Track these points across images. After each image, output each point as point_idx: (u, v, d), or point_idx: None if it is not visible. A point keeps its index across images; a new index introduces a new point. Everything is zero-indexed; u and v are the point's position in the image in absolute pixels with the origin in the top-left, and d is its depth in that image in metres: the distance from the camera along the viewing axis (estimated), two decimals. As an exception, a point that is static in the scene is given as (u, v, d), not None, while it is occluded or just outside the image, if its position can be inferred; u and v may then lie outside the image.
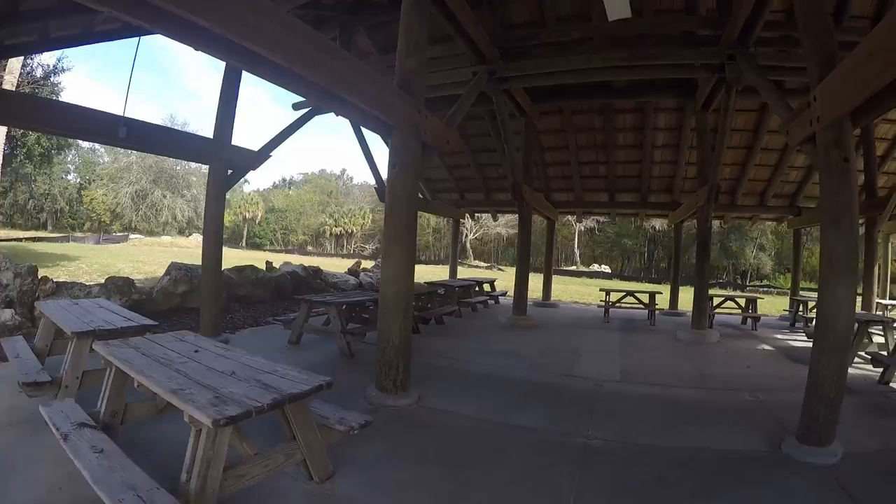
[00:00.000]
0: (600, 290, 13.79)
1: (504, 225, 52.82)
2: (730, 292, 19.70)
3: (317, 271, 14.85)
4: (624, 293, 13.15)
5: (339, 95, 4.51)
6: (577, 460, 4.02)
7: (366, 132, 11.39)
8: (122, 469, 2.68)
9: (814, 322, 10.87)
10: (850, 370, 5.52)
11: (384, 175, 6.21)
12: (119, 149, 44.82)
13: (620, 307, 13.02)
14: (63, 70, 20.54)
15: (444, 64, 9.41)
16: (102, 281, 9.22)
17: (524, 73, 9.34)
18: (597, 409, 5.34)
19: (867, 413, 5.38)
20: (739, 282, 44.54)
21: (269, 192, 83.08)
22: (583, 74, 9.27)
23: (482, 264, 50.10)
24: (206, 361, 3.34)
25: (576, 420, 4.94)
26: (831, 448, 4.15)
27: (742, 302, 12.57)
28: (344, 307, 7.71)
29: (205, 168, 8.09)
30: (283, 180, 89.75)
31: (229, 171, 7.59)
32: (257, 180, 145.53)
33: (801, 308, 12.73)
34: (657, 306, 12.48)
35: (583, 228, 55.49)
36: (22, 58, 14.46)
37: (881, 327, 7.83)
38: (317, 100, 5.26)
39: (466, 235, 56.04)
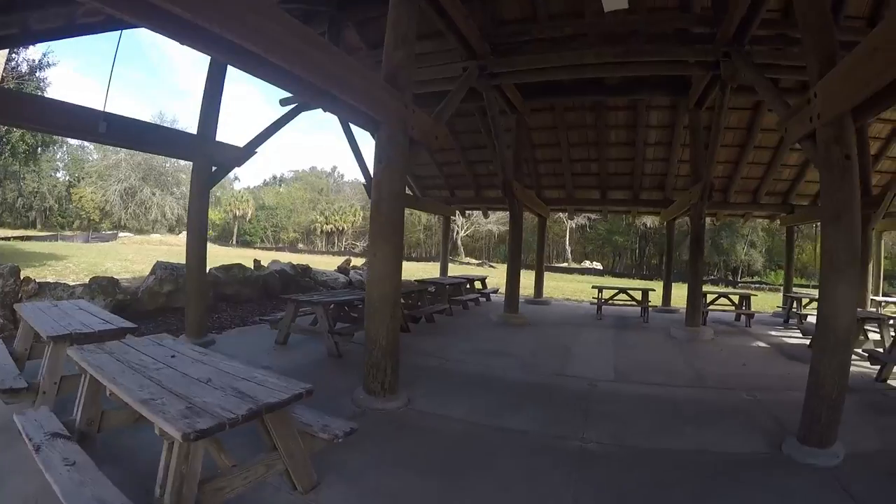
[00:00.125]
0: (593, 286, 13.67)
1: (495, 222, 52.87)
2: (722, 289, 19.72)
3: (306, 269, 14.66)
4: (617, 290, 13.05)
5: (327, 90, 4.36)
6: (572, 464, 3.89)
7: (355, 128, 11.25)
8: (94, 483, 2.54)
9: (807, 319, 11.08)
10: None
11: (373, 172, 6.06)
12: (108, 146, 44.27)
13: (613, 304, 12.90)
14: (48, 65, 20.22)
15: (433, 59, 9.26)
16: (88, 281, 9.02)
17: (515, 69, 9.22)
18: (591, 410, 5.21)
19: (865, 411, 5.29)
20: (731, 278, 44.76)
21: (259, 189, 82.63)
22: (575, 71, 9.17)
23: (474, 261, 49.96)
24: (182, 367, 3.18)
25: (570, 422, 4.82)
26: (833, 449, 4.06)
27: (735, 299, 12.51)
28: (332, 307, 7.57)
29: (195, 165, 7.90)
30: (274, 177, 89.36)
31: (213, 168, 7.39)
32: (248, 178, 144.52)
33: (794, 305, 12.71)
34: (650, 303, 12.38)
35: (574, 225, 55.64)
36: (6, 53, 14.18)
37: (877, 324, 7.77)
38: (303, 95, 5.12)
39: (457, 232, 55.99)
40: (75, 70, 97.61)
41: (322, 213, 71.13)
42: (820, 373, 4.14)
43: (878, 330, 7.78)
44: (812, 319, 10.86)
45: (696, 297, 9.96)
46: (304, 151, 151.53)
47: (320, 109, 9.02)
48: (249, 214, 70.27)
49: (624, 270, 50.02)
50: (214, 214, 66.38)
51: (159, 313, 9.25)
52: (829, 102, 4.13)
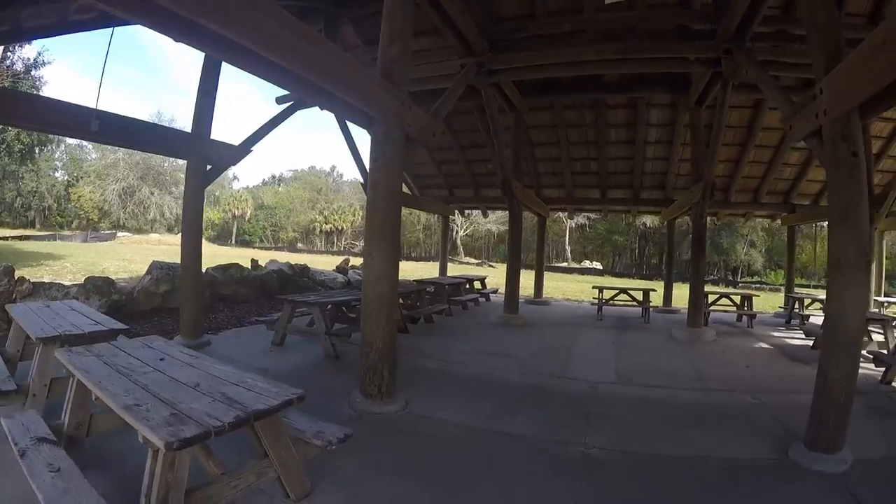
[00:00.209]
0: (593, 287, 13.58)
1: (495, 221, 52.76)
2: (722, 289, 19.61)
3: (304, 269, 14.57)
4: (617, 290, 12.94)
5: (321, 86, 4.25)
6: (574, 471, 3.79)
7: (353, 127, 11.16)
8: (78, 490, 2.45)
9: (809, 320, 10.98)
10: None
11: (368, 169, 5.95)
12: (106, 145, 44.15)
13: (614, 304, 12.80)
14: (44, 63, 20.07)
15: (431, 56, 9.19)
16: (83, 281, 8.91)
17: (513, 66, 9.15)
18: (593, 414, 5.11)
19: (871, 415, 5.19)
20: (731, 278, 44.64)
21: (258, 188, 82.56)
22: (574, 68, 9.07)
23: (473, 261, 49.84)
24: (171, 371, 3.07)
25: (571, 426, 4.71)
26: (841, 455, 3.96)
27: (737, 299, 12.41)
28: (329, 307, 7.47)
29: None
30: (273, 177, 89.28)
31: (208, 167, 7.29)
32: (247, 177, 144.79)
33: (796, 305, 12.61)
34: (651, 304, 12.27)
35: (574, 225, 55.53)
36: (0, 51, 14.10)
37: (880, 325, 7.67)
38: (298, 92, 5.00)
39: (457, 232, 55.85)
40: (75, 69, 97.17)
41: (321, 212, 71.03)
42: (828, 376, 4.03)
43: (881, 331, 7.68)
44: (814, 320, 10.88)
45: (697, 297, 9.85)
46: (301, 150, 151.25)
47: (317, 108, 9.00)
48: (248, 214, 70.12)
49: (624, 270, 49.91)
50: (214, 214, 66.42)
51: (155, 313, 9.16)
52: (836, 98, 4.03)
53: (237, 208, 68.08)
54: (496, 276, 21.96)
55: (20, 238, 34.74)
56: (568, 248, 57.31)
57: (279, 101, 9.89)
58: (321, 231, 69.68)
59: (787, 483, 3.69)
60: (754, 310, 12.06)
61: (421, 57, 8.78)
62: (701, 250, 10.06)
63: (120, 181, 54.41)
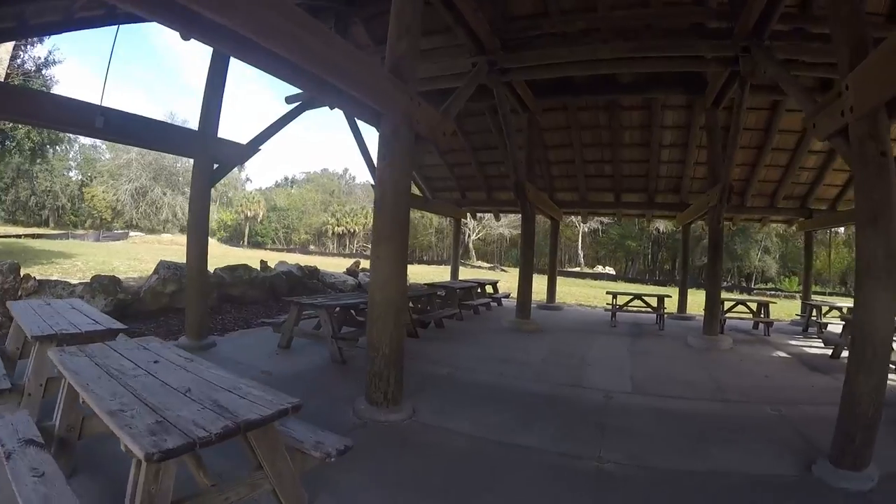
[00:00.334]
0: (607, 292, 13.37)
1: (507, 225, 52.55)
2: (737, 295, 19.34)
3: (314, 271, 14.46)
4: (631, 296, 12.67)
5: (327, 80, 4.10)
6: (588, 487, 3.59)
7: (363, 127, 11.06)
8: (60, 497, 2.31)
9: (827, 328, 10.69)
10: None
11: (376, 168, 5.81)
12: (119, 145, 44.43)
13: (627, 311, 12.54)
14: (55, 62, 20.12)
15: (442, 55, 9.07)
16: (89, 279, 8.84)
17: (526, 65, 8.99)
18: (608, 426, 4.88)
19: (894, 428, 4.92)
20: (744, 284, 44.16)
21: (271, 190, 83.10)
22: (588, 66, 8.91)
23: (485, 265, 49.71)
24: (163, 375, 2.92)
25: (585, 439, 4.50)
26: (867, 472, 3.74)
27: (753, 306, 12.14)
28: (336, 310, 7.31)
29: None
30: (286, 179, 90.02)
31: (215, 166, 7.18)
32: (259, 179, 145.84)
33: (814, 313, 12.33)
34: (665, 310, 12.04)
35: (586, 229, 55.23)
36: (10, 49, 14.12)
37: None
38: (305, 87, 4.84)
39: (469, 236, 55.70)
40: (86, 68, 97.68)
41: (333, 214, 71.30)
42: (855, 388, 3.81)
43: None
44: (832, 329, 10.59)
45: (714, 304, 9.61)
46: (313, 147, 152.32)
47: (327, 108, 8.90)
48: (261, 216, 70.45)
49: (637, 276, 49.56)
50: (226, 215, 66.84)
51: (162, 313, 9.09)
52: (862, 95, 3.83)
53: (249, 210, 68.40)
54: (508, 280, 21.75)
55: (33, 236, 34.96)
56: (581, 253, 57.01)
57: (289, 100, 9.80)
58: (333, 233, 69.90)
59: (810, 501, 3.49)
60: (771, 317, 11.77)
61: (432, 56, 8.67)
62: (718, 256, 9.84)
63: (133, 181, 54.70)
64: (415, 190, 16.40)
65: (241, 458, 2.89)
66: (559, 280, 17.72)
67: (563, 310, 15.11)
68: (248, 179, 79.15)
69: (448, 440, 4.32)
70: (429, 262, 50.12)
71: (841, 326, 9.53)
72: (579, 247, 56.98)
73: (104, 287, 8.52)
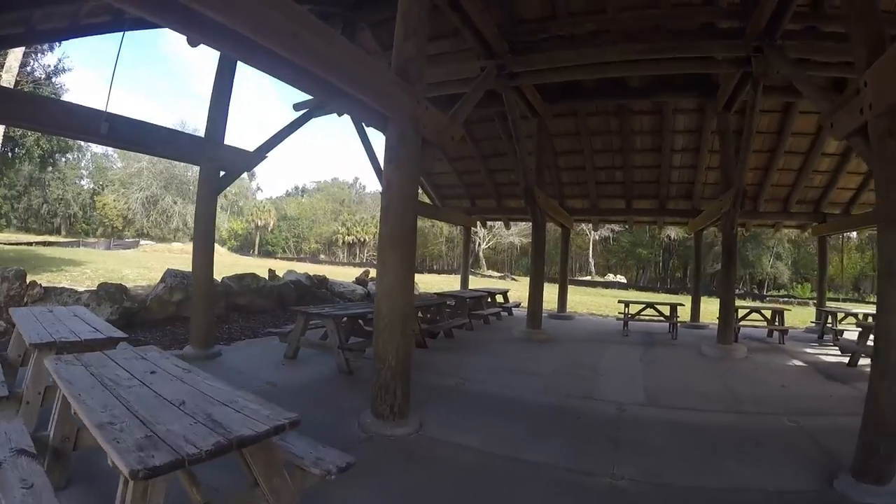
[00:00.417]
0: (619, 301, 13.20)
1: (517, 234, 52.41)
2: (749, 303, 19.07)
3: (322, 280, 14.36)
4: (644, 305, 12.49)
5: (331, 82, 4.01)
6: (601, 505, 3.42)
7: (372, 135, 10.99)
8: (47, 511, 2.19)
9: (843, 335, 10.46)
10: None
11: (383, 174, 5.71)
12: (130, 153, 44.75)
13: (639, 319, 12.35)
14: (64, 70, 20.41)
15: (450, 59, 9.00)
16: (96, 287, 8.79)
17: (535, 68, 8.90)
18: (621, 441, 4.71)
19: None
20: (757, 291, 43.67)
21: (281, 199, 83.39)
22: (597, 70, 8.83)
23: (495, 274, 49.43)
24: (158, 386, 2.80)
25: (598, 454, 4.33)
26: (892, 486, 3.57)
27: (768, 314, 11.91)
28: (344, 320, 7.19)
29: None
30: (296, 188, 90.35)
31: (222, 173, 7.10)
32: (270, 188, 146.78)
33: (829, 320, 12.09)
34: (678, 318, 11.84)
35: (597, 237, 54.96)
36: (21, 56, 14.26)
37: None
38: (311, 91, 4.77)
39: (479, 245, 55.52)
40: (99, 77, 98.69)
41: (344, 223, 71.34)
42: (879, 399, 3.65)
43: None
44: (848, 336, 10.36)
45: (728, 311, 9.42)
46: (324, 152, 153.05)
47: (335, 115, 8.82)
48: (271, 225, 70.67)
49: (648, 284, 49.15)
50: (237, 224, 67.14)
51: (168, 322, 9.01)
52: (882, 92, 3.72)
53: (260, 219, 68.63)
54: (519, 289, 21.55)
55: (44, 244, 35.10)
56: (592, 262, 56.66)
57: (296, 107, 9.73)
58: (344, 242, 69.92)
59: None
60: (785, 325, 11.56)
61: (439, 60, 8.60)
62: (731, 262, 9.67)
63: (143, 190, 55.07)
64: (425, 198, 16.32)
65: (240, 471, 2.76)
66: (570, 289, 17.54)
67: (574, 319, 14.93)
68: (258, 189, 79.73)
69: (455, 455, 4.17)
70: (439, 272, 49.95)
71: (857, 333, 9.32)
72: (590, 255, 56.65)
73: (110, 295, 8.46)
